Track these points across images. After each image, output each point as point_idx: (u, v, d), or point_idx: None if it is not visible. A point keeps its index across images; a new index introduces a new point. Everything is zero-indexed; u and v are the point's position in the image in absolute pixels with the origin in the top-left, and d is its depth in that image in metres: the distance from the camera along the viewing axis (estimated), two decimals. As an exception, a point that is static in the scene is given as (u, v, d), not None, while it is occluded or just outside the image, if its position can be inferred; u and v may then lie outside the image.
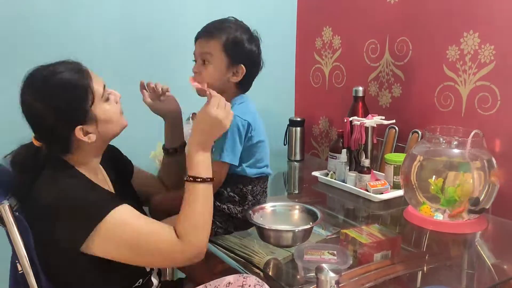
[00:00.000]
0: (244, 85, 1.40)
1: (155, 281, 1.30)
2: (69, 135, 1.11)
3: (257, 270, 1.25)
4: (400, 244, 1.38)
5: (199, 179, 1.16)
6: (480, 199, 1.44)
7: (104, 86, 1.17)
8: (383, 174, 1.82)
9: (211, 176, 1.19)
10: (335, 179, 1.87)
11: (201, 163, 1.18)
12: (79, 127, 1.11)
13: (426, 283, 1.23)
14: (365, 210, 1.68)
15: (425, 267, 1.32)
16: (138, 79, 2.02)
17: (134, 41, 2.00)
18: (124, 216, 1.09)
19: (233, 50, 1.33)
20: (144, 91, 1.47)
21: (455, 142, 1.48)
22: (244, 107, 1.37)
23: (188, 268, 1.45)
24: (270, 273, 1.24)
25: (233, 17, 1.40)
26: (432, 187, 1.47)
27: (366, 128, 1.81)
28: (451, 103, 1.79)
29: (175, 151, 1.51)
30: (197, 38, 1.37)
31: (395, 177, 1.75)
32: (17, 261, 1.10)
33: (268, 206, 1.41)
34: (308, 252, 1.22)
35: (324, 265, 1.04)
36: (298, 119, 2.28)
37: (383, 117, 1.82)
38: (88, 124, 1.13)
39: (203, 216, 1.16)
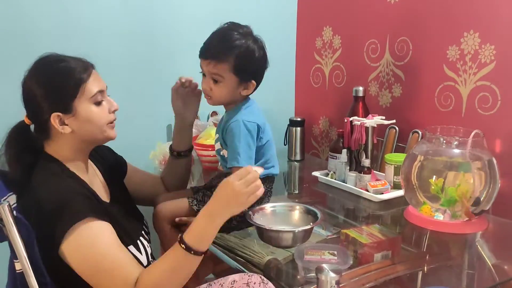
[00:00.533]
0: (252, 92, 1.40)
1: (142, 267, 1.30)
2: (47, 119, 1.14)
3: (257, 270, 1.25)
4: (401, 244, 1.38)
5: (191, 251, 1.07)
6: (481, 199, 1.44)
7: (102, 91, 1.18)
8: (384, 174, 1.82)
9: (205, 250, 1.10)
10: (335, 179, 1.86)
11: (202, 233, 1.10)
12: (56, 113, 1.13)
13: (426, 283, 1.23)
14: (365, 210, 1.68)
15: (425, 267, 1.32)
16: (139, 79, 2.03)
17: (135, 39, 2.00)
18: (100, 233, 1.08)
19: (243, 70, 1.32)
20: (178, 81, 1.44)
21: (456, 142, 1.48)
22: (250, 110, 1.38)
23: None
24: (270, 273, 1.24)
25: (231, 24, 1.35)
26: (433, 187, 1.47)
27: (366, 128, 1.81)
28: (452, 103, 1.79)
29: (178, 154, 1.50)
30: (203, 57, 1.33)
31: (395, 177, 1.75)
32: (15, 260, 1.10)
33: (268, 207, 1.40)
34: (308, 252, 1.22)
35: (325, 265, 1.04)
36: (298, 119, 2.27)
37: (383, 117, 1.82)
38: (66, 114, 1.14)
39: (174, 285, 1.10)
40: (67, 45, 1.81)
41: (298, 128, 2.26)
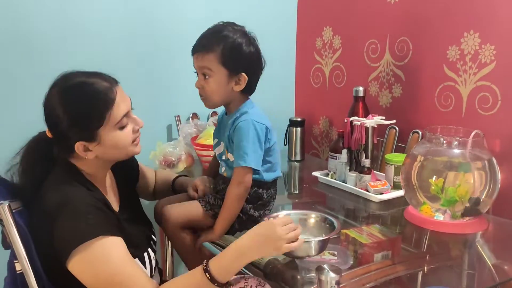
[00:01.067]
0: (248, 90, 1.38)
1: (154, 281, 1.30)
2: (71, 144, 1.12)
3: (258, 271, 1.25)
4: (401, 245, 1.38)
5: (215, 283, 1.07)
6: (481, 199, 1.44)
7: (128, 112, 1.17)
8: (384, 174, 1.82)
9: (225, 282, 1.09)
10: (335, 179, 1.86)
11: (228, 268, 1.09)
12: (80, 142, 1.11)
13: (426, 284, 1.23)
14: (365, 210, 1.68)
15: (425, 268, 1.32)
16: (139, 79, 2.03)
17: (135, 40, 2.00)
18: (113, 249, 1.07)
19: (231, 61, 1.30)
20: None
21: (456, 142, 1.48)
22: (257, 111, 1.37)
23: (190, 263, 1.44)
24: (270, 274, 1.23)
25: (226, 22, 1.35)
26: (433, 187, 1.47)
27: (367, 128, 1.81)
28: (452, 103, 1.79)
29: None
30: (193, 52, 1.34)
31: (395, 177, 1.75)
32: (15, 261, 1.10)
33: (282, 214, 1.34)
34: (309, 252, 1.22)
35: (325, 265, 1.04)
36: (298, 119, 2.27)
37: (384, 117, 1.82)
38: (91, 142, 1.13)
39: None
40: (67, 46, 1.83)
41: (298, 128, 2.26)
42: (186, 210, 1.37)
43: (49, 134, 1.16)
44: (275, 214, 1.35)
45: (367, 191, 1.72)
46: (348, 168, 1.85)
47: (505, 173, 1.58)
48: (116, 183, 1.31)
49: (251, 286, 1.16)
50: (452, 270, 1.31)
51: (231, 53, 1.30)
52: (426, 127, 1.60)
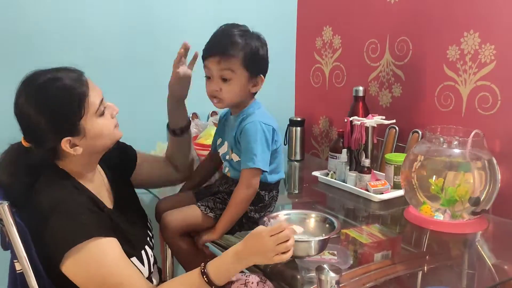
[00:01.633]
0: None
1: (154, 281, 1.30)
2: (56, 144, 1.10)
3: (258, 270, 1.25)
4: (401, 244, 1.38)
5: (212, 286, 1.08)
6: (481, 199, 1.44)
7: (102, 99, 1.15)
8: (384, 174, 1.82)
9: (221, 285, 1.09)
10: (335, 179, 1.86)
11: (225, 271, 1.10)
12: (66, 138, 1.10)
13: (426, 283, 1.23)
14: (365, 210, 1.68)
15: (425, 267, 1.32)
16: (139, 79, 2.03)
17: (135, 39, 2.00)
18: (107, 250, 1.07)
19: (253, 63, 1.31)
20: (183, 57, 1.40)
21: (456, 142, 1.48)
22: (264, 112, 1.37)
23: (189, 268, 1.44)
24: (270, 273, 1.23)
25: (230, 24, 1.34)
26: (433, 187, 1.47)
27: (367, 128, 1.81)
28: (452, 103, 1.79)
29: (181, 131, 1.48)
30: (210, 55, 1.31)
31: (395, 177, 1.75)
32: (15, 261, 1.10)
33: (283, 214, 1.35)
34: (309, 252, 1.22)
35: (325, 265, 1.04)
36: (298, 119, 2.27)
37: (384, 117, 1.82)
38: (76, 136, 1.11)
39: None
40: (67, 45, 1.83)
41: (298, 128, 2.26)
42: (185, 215, 1.36)
43: (25, 143, 1.13)
44: (274, 214, 1.35)
45: (367, 190, 1.72)
46: (348, 168, 1.85)
47: (505, 173, 1.58)
48: (108, 180, 1.30)
49: (252, 282, 1.16)
50: (452, 270, 1.31)
51: (252, 56, 1.30)
52: (426, 127, 1.60)
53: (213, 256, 1.41)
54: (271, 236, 1.06)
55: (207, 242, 1.38)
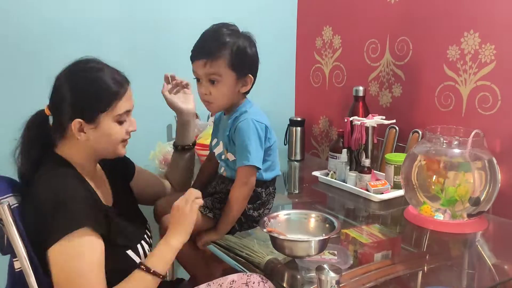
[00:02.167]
0: (249, 90, 1.38)
1: None
2: (69, 122, 1.14)
3: (258, 270, 1.25)
4: (401, 244, 1.38)
5: (151, 271, 1.12)
6: (481, 199, 1.44)
7: (129, 111, 1.21)
8: (384, 174, 1.82)
9: (163, 274, 1.15)
10: (335, 179, 1.86)
11: (160, 256, 1.17)
12: (78, 120, 1.14)
13: (426, 283, 1.23)
14: (365, 210, 1.68)
15: (425, 267, 1.32)
16: (139, 79, 2.02)
17: (135, 39, 2.00)
18: (88, 249, 1.07)
19: (240, 64, 1.30)
20: (165, 83, 1.49)
21: (456, 142, 1.48)
22: (256, 110, 1.36)
23: (190, 268, 1.44)
24: (270, 273, 1.23)
25: (220, 24, 1.34)
26: (433, 187, 1.47)
27: (367, 128, 1.81)
28: (452, 103, 1.79)
29: (183, 148, 1.53)
30: (196, 59, 1.31)
31: (395, 177, 1.75)
32: (14, 259, 1.11)
33: (283, 214, 1.35)
34: (309, 252, 1.22)
35: (325, 265, 1.04)
36: (298, 119, 2.27)
37: (384, 117, 1.82)
38: (88, 124, 1.15)
39: None
40: (68, 42, 1.83)
41: (298, 128, 2.26)
42: (172, 200, 1.37)
43: (47, 111, 1.18)
44: (274, 214, 1.35)
45: (367, 190, 1.72)
46: (348, 167, 1.85)
47: (505, 173, 1.58)
48: (108, 180, 1.32)
49: (253, 283, 1.16)
50: (452, 270, 1.31)
51: (238, 56, 1.29)
52: (426, 127, 1.60)
53: (213, 256, 1.41)
54: (182, 200, 1.20)
55: (209, 242, 1.38)
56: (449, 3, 1.75)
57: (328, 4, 2.26)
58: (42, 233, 1.06)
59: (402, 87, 1.97)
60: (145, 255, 1.24)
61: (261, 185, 1.38)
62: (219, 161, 1.45)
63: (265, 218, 1.32)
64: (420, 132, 1.87)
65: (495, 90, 1.65)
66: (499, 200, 1.51)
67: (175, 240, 1.18)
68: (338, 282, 1.03)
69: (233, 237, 1.40)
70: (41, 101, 1.20)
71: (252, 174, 1.32)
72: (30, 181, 1.14)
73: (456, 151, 1.48)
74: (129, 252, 1.19)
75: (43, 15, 1.79)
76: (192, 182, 1.57)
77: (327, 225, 1.30)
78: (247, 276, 1.18)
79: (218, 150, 1.43)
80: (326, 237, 1.22)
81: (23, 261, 1.07)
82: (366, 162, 1.76)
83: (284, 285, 1.20)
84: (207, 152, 1.94)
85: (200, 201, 1.23)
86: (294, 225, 1.34)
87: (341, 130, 1.94)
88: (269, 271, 1.24)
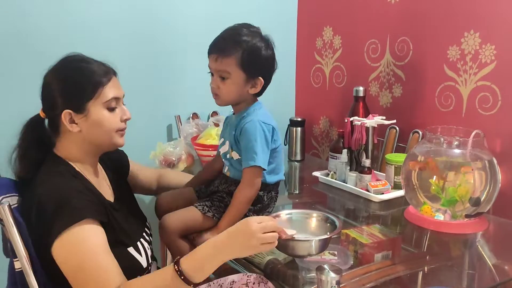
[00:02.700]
0: (260, 92, 1.39)
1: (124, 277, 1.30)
2: (59, 114, 1.15)
3: (258, 271, 1.25)
4: (401, 245, 1.38)
5: (182, 276, 1.02)
6: (481, 200, 1.44)
7: (118, 98, 1.20)
8: (384, 174, 1.82)
9: (197, 282, 1.04)
10: (335, 179, 1.86)
11: (201, 262, 1.05)
12: (67, 110, 1.14)
13: (426, 284, 1.23)
14: (365, 210, 1.68)
15: (425, 268, 1.32)
16: (139, 79, 2.03)
17: (136, 39, 2.00)
18: (91, 234, 1.07)
19: (250, 65, 1.30)
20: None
21: (456, 142, 1.48)
22: (264, 112, 1.37)
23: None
24: (270, 274, 1.23)
25: (242, 24, 1.35)
26: (433, 187, 1.47)
27: (367, 128, 1.81)
28: (452, 103, 1.78)
29: (190, 184, 1.55)
30: (210, 53, 1.33)
31: (395, 177, 1.75)
32: (14, 259, 1.11)
33: (284, 214, 1.35)
34: (309, 252, 1.22)
35: (325, 265, 1.04)
36: (299, 119, 2.27)
37: (384, 117, 1.82)
38: (77, 114, 1.15)
39: None
40: (68, 45, 1.82)
41: (299, 128, 2.26)
42: (183, 217, 1.36)
43: (42, 114, 1.20)
44: (276, 214, 1.35)
45: (368, 191, 1.72)
46: (349, 168, 1.85)
47: (505, 173, 1.58)
48: (109, 178, 1.33)
49: (253, 283, 1.16)
50: (452, 270, 1.31)
51: (250, 57, 1.30)
52: (426, 127, 1.60)
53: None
54: (259, 223, 1.04)
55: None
56: (449, 3, 1.75)
57: (328, 5, 2.26)
58: (44, 233, 1.06)
59: (403, 87, 1.97)
60: (145, 252, 1.24)
61: (263, 189, 1.38)
62: (224, 160, 1.45)
63: None
64: (421, 132, 1.87)
65: (496, 90, 1.65)
66: (500, 201, 1.51)
67: (224, 256, 1.06)
68: (338, 283, 1.03)
69: (233, 237, 1.40)
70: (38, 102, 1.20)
71: (258, 175, 1.32)
72: (31, 182, 1.15)
73: (457, 151, 1.48)
74: (130, 250, 1.20)
75: (43, 15, 1.79)
76: (193, 177, 1.58)
77: (328, 225, 1.30)
78: (247, 276, 1.18)
79: (223, 149, 1.43)
80: (328, 236, 1.22)
81: (23, 261, 1.07)
82: (367, 162, 1.76)
83: (284, 285, 1.20)
84: (207, 152, 1.96)
85: (272, 247, 1.08)
86: (295, 225, 1.33)
87: (341, 130, 1.94)
88: (269, 272, 1.24)
